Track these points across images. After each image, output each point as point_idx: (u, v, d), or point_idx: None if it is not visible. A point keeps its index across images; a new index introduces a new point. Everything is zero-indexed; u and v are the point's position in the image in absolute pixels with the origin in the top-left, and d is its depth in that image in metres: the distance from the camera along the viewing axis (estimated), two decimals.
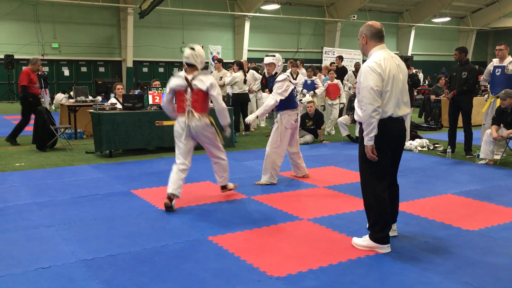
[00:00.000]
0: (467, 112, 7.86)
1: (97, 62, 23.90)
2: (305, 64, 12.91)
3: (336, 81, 11.20)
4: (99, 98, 10.94)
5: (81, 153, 8.41)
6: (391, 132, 3.76)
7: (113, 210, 5.02)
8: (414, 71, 15.02)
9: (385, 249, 3.82)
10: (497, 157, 7.46)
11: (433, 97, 12.93)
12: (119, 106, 8.45)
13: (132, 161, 7.69)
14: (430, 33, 32.49)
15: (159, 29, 24.45)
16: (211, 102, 5.23)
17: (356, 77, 11.24)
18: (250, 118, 6.13)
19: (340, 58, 13.92)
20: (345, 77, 12.63)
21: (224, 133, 5.37)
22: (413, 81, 9.38)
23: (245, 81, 11.10)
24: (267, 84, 7.21)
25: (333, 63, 14.02)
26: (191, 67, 5.10)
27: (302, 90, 10.64)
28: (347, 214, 4.86)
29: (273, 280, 3.35)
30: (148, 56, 24.71)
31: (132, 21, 22.96)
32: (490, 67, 7.89)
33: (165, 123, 5.52)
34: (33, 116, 9.14)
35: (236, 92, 11.05)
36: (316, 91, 10.88)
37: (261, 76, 11.74)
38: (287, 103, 6.03)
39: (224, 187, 5.61)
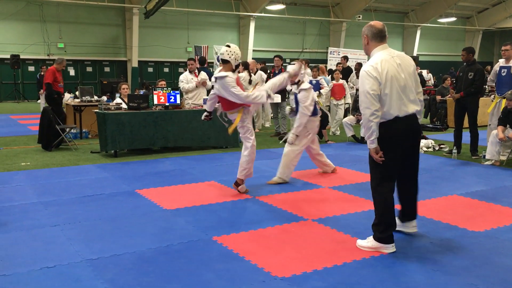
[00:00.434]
0: (473, 113, 7.82)
1: (102, 62, 24.00)
2: (310, 64, 12.88)
3: (341, 81, 11.18)
4: (105, 98, 10.94)
5: (86, 153, 8.44)
6: (399, 131, 3.76)
7: (118, 210, 5.02)
8: (418, 71, 14.97)
9: (390, 248, 3.81)
10: (503, 158, 7.42)
11: (438, 97, 12.87)
12: (124, 106, 8.46)
13: (137, 161, 7.70)
14: (436, 33, 32.37)
15: (164, 29, 24.51)
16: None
17: (358, 77, 11.20)
18: (291, 139, 6.21)
19: (346, 58, 13.89)
20: (349, 78, 12.60)
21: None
22: None
23: (250, 82, 11.09)
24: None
25: (339, 63, 14.01)
26: (226, 63, 5.43)
27: None
28: (352, 214, 4.85)
29: (277, 280, 3.34)
30: (153, 56, 24.79)
31: (138, 21, 23.05)
32: (496, 67, 7.86)
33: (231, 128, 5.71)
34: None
35: None
36: (321, 91, 10.86)
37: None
38: (312, 111, 6.26)
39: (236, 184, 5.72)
